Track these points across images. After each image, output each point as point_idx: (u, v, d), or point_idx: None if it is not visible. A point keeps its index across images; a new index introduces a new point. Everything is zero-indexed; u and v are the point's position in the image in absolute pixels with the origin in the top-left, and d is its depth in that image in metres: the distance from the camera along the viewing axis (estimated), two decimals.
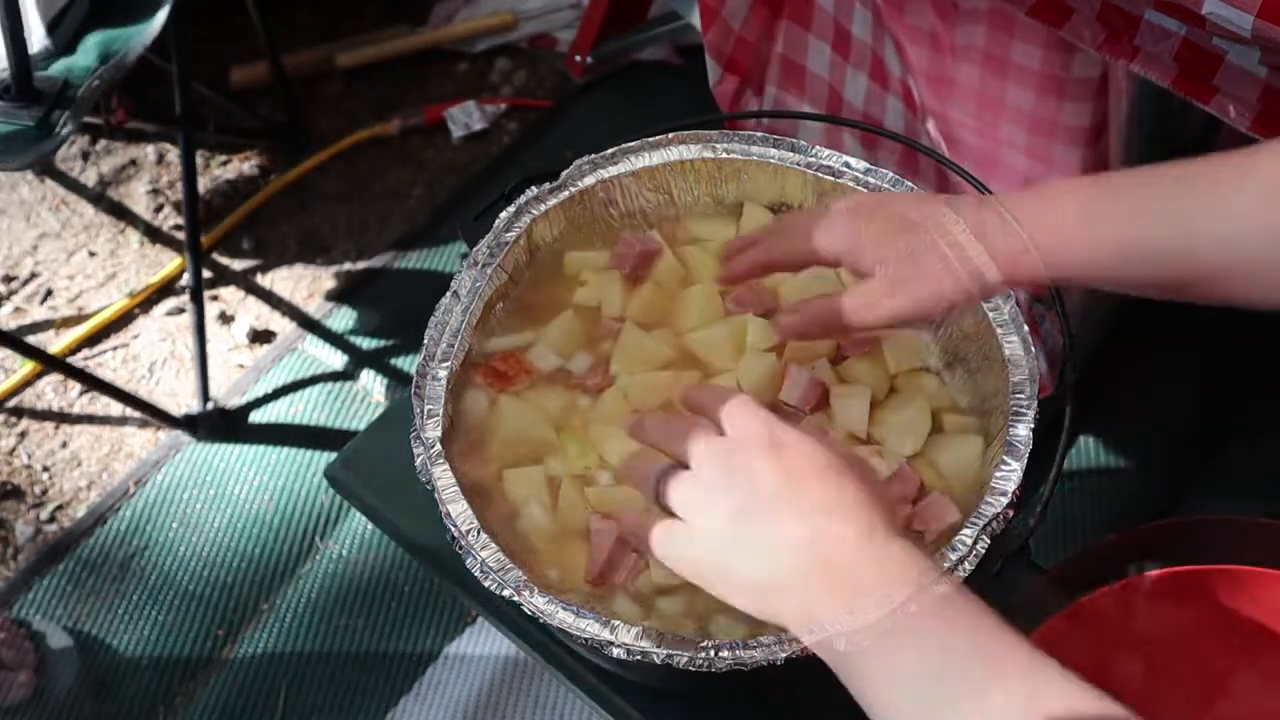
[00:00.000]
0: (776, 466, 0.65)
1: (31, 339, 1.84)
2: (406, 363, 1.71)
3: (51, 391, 1.79)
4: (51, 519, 1.63)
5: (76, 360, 1.83)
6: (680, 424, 0.71)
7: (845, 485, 0.64)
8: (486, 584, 0.78)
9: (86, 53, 1.46)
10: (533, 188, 0.96)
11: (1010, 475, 0.79)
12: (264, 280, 1.87)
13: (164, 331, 1.83)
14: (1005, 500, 0.78)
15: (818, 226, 0.81)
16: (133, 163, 2.07)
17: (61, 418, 1.75)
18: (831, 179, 0.94)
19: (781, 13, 1.19)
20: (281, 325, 1.80)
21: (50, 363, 1.66)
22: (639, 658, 0.74)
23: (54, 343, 1.84)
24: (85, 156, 2.09)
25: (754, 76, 1.22)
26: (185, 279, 1.70)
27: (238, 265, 1.90)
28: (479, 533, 0.80)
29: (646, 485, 0.71)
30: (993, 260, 0.73)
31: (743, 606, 0.66)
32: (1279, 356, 1.52)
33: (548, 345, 0.93)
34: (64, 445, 1.71)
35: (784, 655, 0.72)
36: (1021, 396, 0.82)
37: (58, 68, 1.44)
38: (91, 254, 1.96)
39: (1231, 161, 0.70)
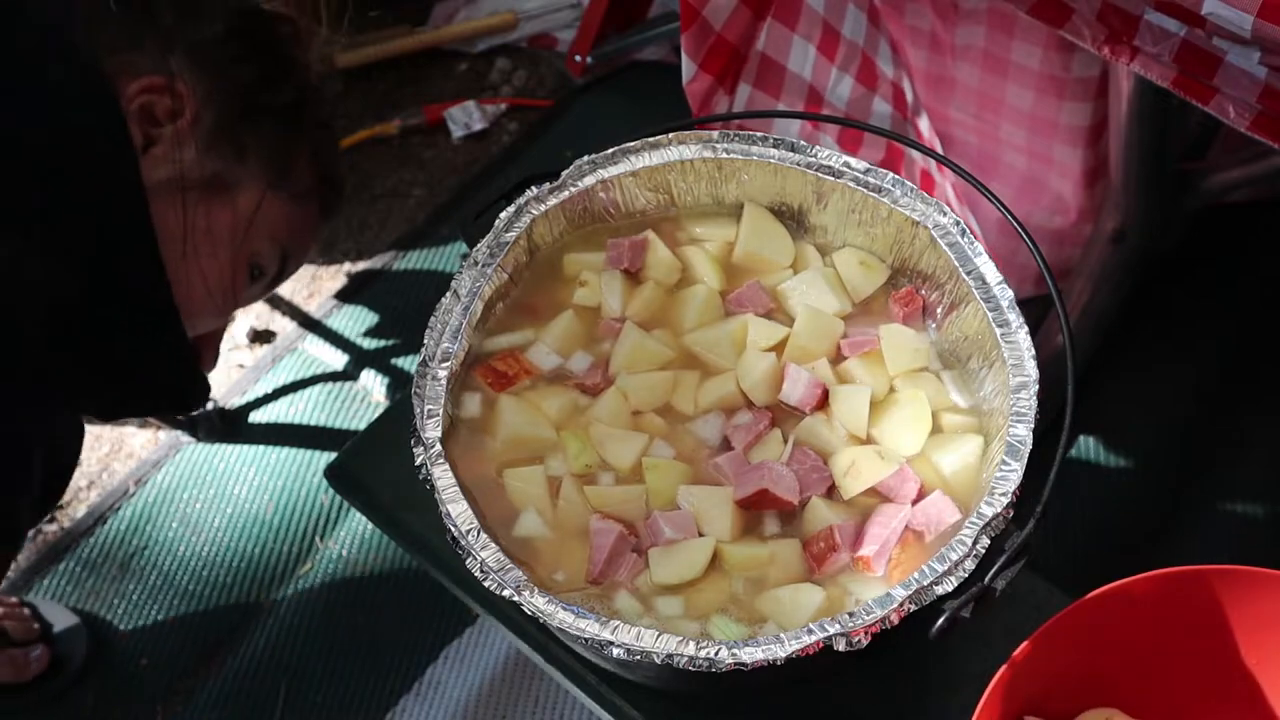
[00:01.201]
0: None
1: None
2: (406, 363, 1.70)
3: None
4: (51, 519, 1.63)
5: None
6: None
7: None
8: (486, 584, 0.78)
9: None
10: (533, 188, 0.96)
11: (1010, 475, 0.79)
12: None
13: None
14: (1005, 500, 0.78)
15: None
16: None
17: None
18: (831, 179, 0.94)
19: (766, 13, 1.18)
20: (281, 325, 1.80)
21: None
22: (639, 658, 0.74)
23: None
24: None
25: (728, 75, 1.21)
26: None
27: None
28: (479, 533, 0.80)
29: None
30: None
31: None
32: (1279, 358, 1.52)
33: (547, 345, 0.93)
34: None
35: (784, 655, 0.73)
36: (1022, 396, 0.82)
37: None
38: None
39: None
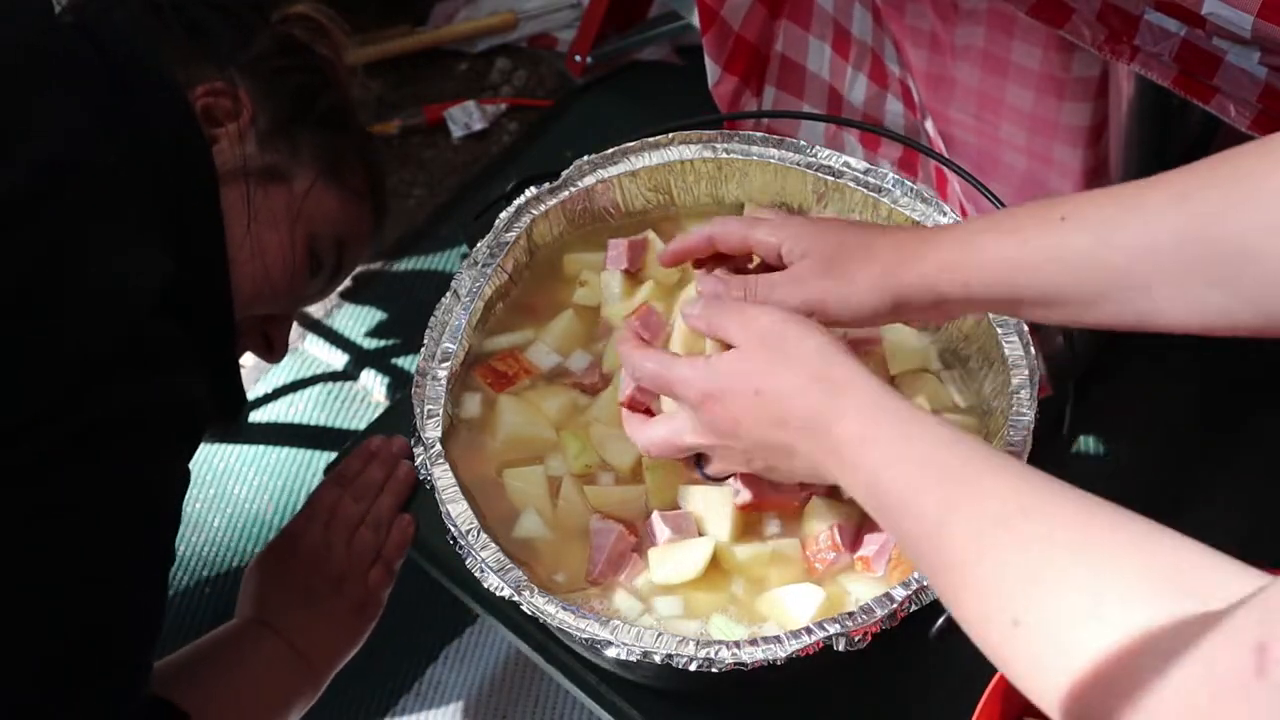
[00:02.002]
0: (717, 414, 0.71)
1: None
2: (406, 363, 1.70)
3: None
4: None
5: None
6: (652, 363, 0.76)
7: (781, 359, 0.69)
8: (486, 584, 0.78)
9: None
10: (533, 188, 0.96)
11: None
12: None
13: None
14: None
15: (756, 225, 0.80)
16: None
17: None
18: (831, 179, 0.94)
19: (781, 13, 1.19)
20: None
21: None
22: (639, 658, 0.74)
23: None
24: None
25: (753, 77, 1.22)
26: None
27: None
28: (479, 533, 0.80)
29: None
30: (915, 274, 0.72)
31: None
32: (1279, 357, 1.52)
33: (547, 344, 0.93)
34: None
35: (784, 655, 0.73)
36: (1021, 397, 0.82)
37: None
38: None
39: (1161, 178, 0.68)
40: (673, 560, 0.82)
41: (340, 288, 1.07)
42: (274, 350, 0.97)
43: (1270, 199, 0.61)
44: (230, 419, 0.89)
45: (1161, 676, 0.43)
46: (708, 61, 1.16)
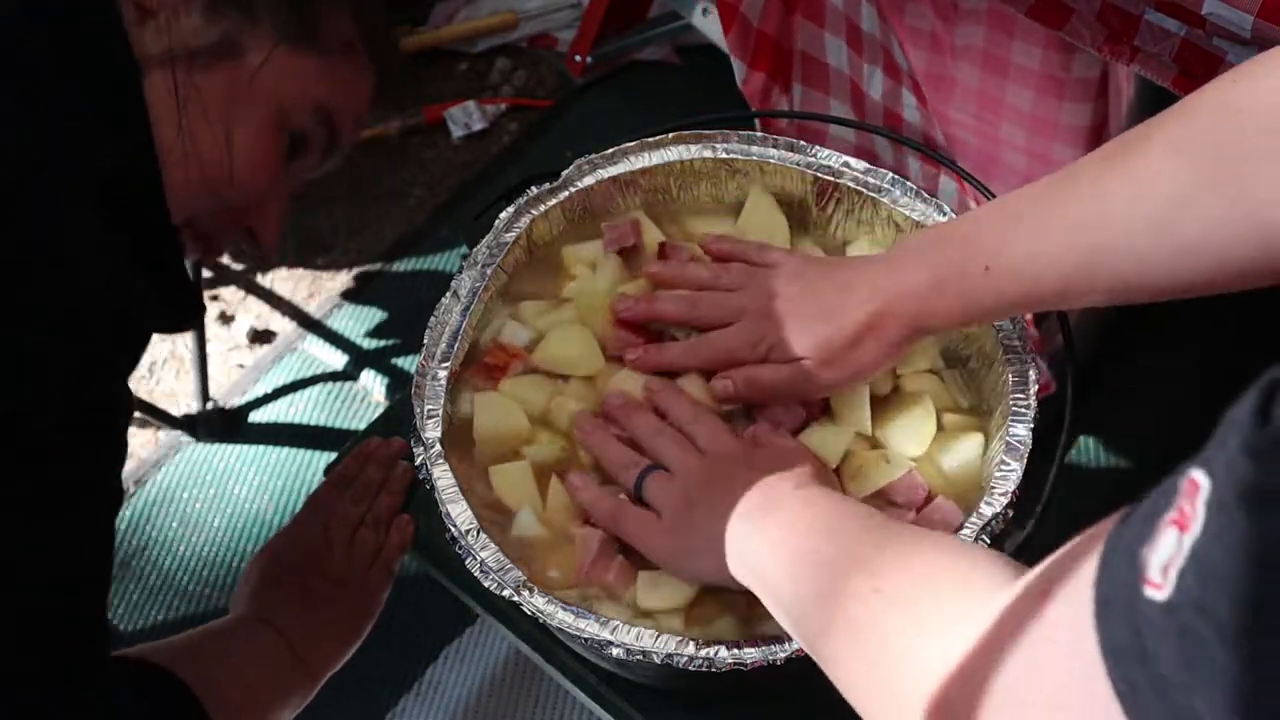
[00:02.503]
0: (750, 478, 0.75)
1: None
2: (406, 363, 1.70)
3: None
4: None
5: None
6: (662, 433, 0.83)
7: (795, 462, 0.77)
8: (486, 584, 0.78)
9: None
10: (533, 188, 0.96)
11: (1010, 475, 0.79)
12: (264, 280, 1.87)
13: None
14: (1005, 500, 0.78)
15: (733, 340, 0.85)
16: None
17: None
18: (831, 179, 0.94)
19: (796, 8, 1.19)
20: (281, 325, 1.80)
21: None
22: (639, 658, 0.74)
23: None
24: None
25: (779, 73, 1.22)
26: None
27: (238, 265, 1.89)
28: (479, 533, 0.80)
29: (628, 478, 0.82)
30: (927, 313, 0.79)
31: (692, 575, 0.79)
32: None
33: (518, 320, 0.93)
34: None
35: (784, 655, 0.73)
36: (1021, 396, 0.82)
37: None
38: None
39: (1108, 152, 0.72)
40: (662, 587, 0.80)
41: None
42: (260, 241, 0.86)
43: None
44: (184, 326, 0.80)
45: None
46: (734, 60, 1.16)
